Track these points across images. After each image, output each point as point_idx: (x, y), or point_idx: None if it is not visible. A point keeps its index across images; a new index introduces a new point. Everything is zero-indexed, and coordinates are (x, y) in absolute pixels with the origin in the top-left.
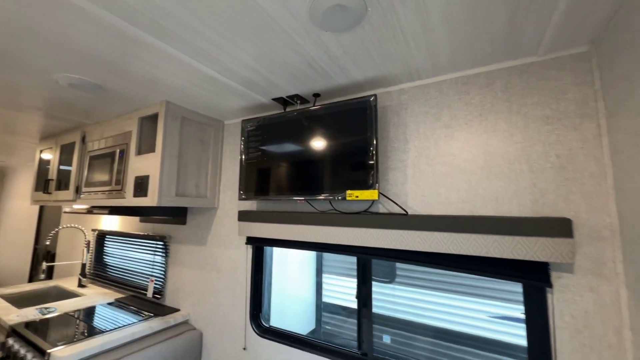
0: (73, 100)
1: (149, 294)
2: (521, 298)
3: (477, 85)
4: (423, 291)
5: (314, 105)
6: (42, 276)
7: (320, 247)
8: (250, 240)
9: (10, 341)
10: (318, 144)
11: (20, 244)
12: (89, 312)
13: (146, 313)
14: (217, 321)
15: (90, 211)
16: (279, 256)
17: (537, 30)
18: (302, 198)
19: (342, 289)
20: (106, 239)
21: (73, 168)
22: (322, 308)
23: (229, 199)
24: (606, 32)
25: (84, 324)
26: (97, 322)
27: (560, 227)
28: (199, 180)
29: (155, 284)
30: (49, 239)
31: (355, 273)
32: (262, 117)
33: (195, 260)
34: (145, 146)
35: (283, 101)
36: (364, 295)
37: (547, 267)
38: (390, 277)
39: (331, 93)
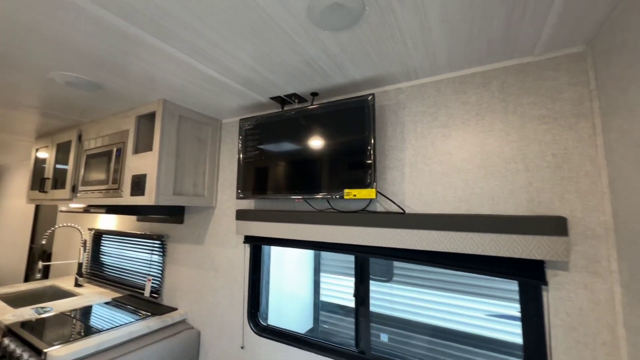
0: (70, 98)
1: (146, 293)
2: (517, 296)
3: (474, 85)
4: (420, 290)
5: (312, 104)
6: (38, 276)
7: (318, 246)
8: (248, 239)
9: (6, 341)
10: (316, 142)
11: (16, 243)
12: (86, 311)
13: (143, 312)
14: (214, 320)
15: (87, 210)
16: (276, 255)
17: (534, 30)
18: (300, 197)
19: (339, 288)
20: (103, 238)
21: (69, 167)
22: (319, 307)
23: (227, 197)
24: (601, 32)
25: (81, 323)
26: (94, 321)
27: (556, 226)
28: (197, 179)
29: (153, 283)
30: (45, 238)
31: (352, 272)
32: (260, 116)
33: (192, 259)
34: (143, 145)
35: (281, 100)
36: (361, 293)
37: (542, 265)
38: (387, 276)
39: (329, 92)
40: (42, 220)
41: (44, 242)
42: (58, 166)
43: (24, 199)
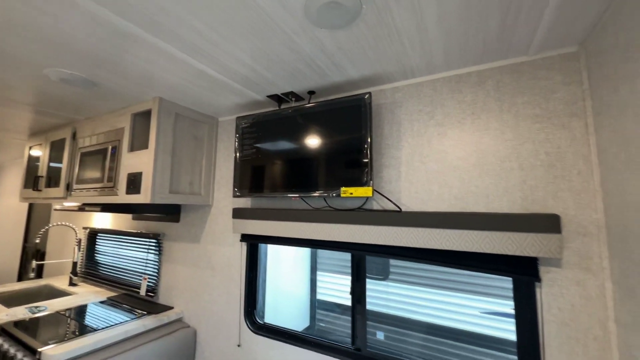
0: (64, 95)
1: (142, 292)
2: (511, 294)
3: (470, 84)
4: (416, 288)
5: (309, 103)
6: (32, 275)
7: (315, 244)
8: (244, 238)
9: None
10: (313, 141)
11: (9, 242)
12: (81, 310)
13: (139, 311)
14: (211, 318)
15: (81, 208)
16: (273, 253)
17: (528, 30)
18: (297, 195)
19: (336, 286)
20: (98, 237)
21: (63, 165)
22: (316, 305)
23: (223, 196)
24: (594, 33)
25: (76, 322)
26: (89, 320)
27: (549, 223)
28: (193, 178)
29: (149, 282)
30: (38, 237)
31: (349, 270)
32: (256, 114)
33: (189, 257)
34: (138, 142)
35: (278, 98)
36: (358, 291)
37: (536, 262)
38: (383, 275)
39: (326, 90)
40: (35, 219)
41: (37, 241)
42: (52, 164)
43: (17, 198)
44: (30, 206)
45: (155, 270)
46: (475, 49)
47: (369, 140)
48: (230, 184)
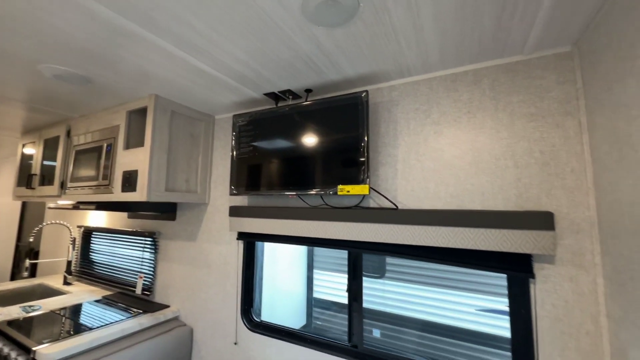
0: (58, 92)
1: (138, 290)
2: (506, 291)
3: (466, 83)
4: (412, 286)
5: (306, 101)
6: (26, 274)
7: (311, 242)
8: (241, 236)
9: None
10: (310, 139)
11: (1, 241)
12: (76, 309)
13: (135, 310)
14: (207, 317)
15: (76, 207)
16: (269, 252)
17: (523, 30)
18: (294, 193)
19: (333, 285)
20: (93, 236)
21: (58, 163)
22: (313, 303)
23: (220, 194)
24: (587, 33)
25: (71, 321)
26: (85, 319)
27: (543, 221)
28: (189, 175)
29: (144, 280)
30: (32, 235)
31: (345, 268)
32: (253, 112)
33: (185, 256)
34: (134, 140)
35: (275, 96)
36: (354, 289)
37: (530, 258)
38: (380, 273)
39: (323, 89)
40: (29, 217)
41: (31, 240)
42: (46, 162)
43: (9, 196)
44: (24, 204)
45: (151, 269)
46: (471, 48)
47: (365, 138)
48: (227, 182)
